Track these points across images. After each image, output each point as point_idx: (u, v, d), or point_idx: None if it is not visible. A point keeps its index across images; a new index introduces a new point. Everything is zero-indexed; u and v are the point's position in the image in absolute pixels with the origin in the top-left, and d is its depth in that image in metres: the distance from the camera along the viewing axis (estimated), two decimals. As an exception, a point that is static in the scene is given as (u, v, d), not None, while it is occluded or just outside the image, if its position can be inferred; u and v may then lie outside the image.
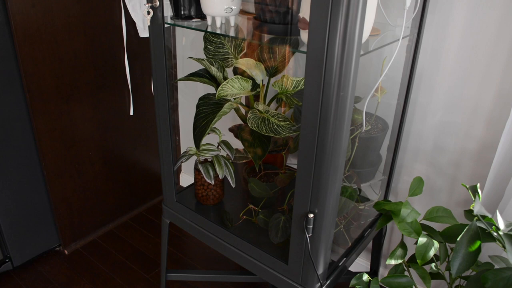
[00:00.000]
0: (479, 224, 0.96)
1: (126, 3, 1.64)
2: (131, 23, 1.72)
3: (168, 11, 1.14)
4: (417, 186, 1.15)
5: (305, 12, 0.86)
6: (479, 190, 1.05)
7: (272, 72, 1.23)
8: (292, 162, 1.41)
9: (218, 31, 1.07)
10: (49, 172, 1.67)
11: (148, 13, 1.07)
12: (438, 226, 1.24)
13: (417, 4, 1.17)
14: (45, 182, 1.69)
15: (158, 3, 1.05)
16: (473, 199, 1.02)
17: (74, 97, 1.65)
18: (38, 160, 1.64)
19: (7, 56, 1.43)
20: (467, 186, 1.10)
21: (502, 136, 1.14)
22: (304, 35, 0.88)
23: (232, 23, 1.09)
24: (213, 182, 1.28)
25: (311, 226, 0.97)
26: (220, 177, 1.27)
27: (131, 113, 1.87)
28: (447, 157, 1.36)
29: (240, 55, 1.25)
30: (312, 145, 0.88)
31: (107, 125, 1.81)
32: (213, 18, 1.08)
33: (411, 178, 1.47)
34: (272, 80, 1.20)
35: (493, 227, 0.97)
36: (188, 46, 1.90)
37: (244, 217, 1.31)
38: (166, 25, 1.08)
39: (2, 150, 1.52)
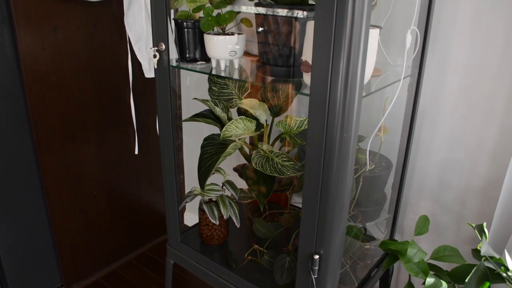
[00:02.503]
0: (487, 264, 0.95)
1: (133, 44, 1.68)
2: (137, 64, 1.76)
3: (173, 54, 1.17)
4: (423, 225, 1.15)
5: (307, 55, 0.88)
6: (485, 230, 1.04)
7: (276, 111, 1.25)
8: (296, 201, 1.40)
9: (223, 74, 1.09)
10: (53, 211, 1.67)
11: (155, 56, 1.09)
12: (445, 266, 1.22)
13: (417, 44, 1.19)
14: (49, 221, 1.68)
15: (164, 47, 1.08)
16: (480, 239, 1.01)
17: (80, 136, 1.66)
18: (43, 199, 1.64)
19: (16, 97, 1.46)
20: (473, 225, 1.09)
21: (507, 173, 1.14)
22: (307, 78, 0.90)
23: (236, 66, 1.12)
24: (217, 223, 1.28)
25: (317, 268, 0.96)
26: (225, 217, 1.26)
27: (136, 152, 1.89)
28: (452, 194, 1.36)
29: (244, 95, 1.27)
30: (317, 186, 0.88)
31: (112, 164, 1.82)
32: (218, 61, 1.10)
33: (417, 216, 1.46)
34: (276, 119, 1.22)
35: (502, 267, 0.95)
36: (193, 87, 1.94)
37: (249, 257, 1.29)
38: (171, 68, 1.10)
39: (8, 188, 1.53)
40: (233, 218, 1.28)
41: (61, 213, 1.69)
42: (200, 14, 1.15)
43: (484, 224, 1.06)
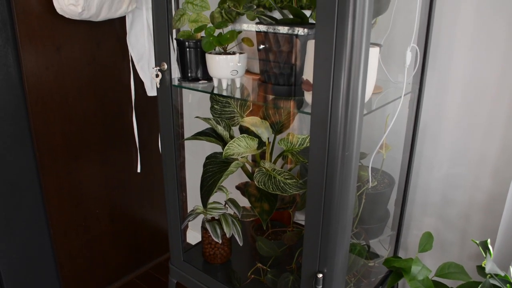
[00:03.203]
0: (492, 281, 0.94)
1: (135, 63, 1.70)
2: (139, 83, 1.77)
3: (175, 73, 1.18)
4: (427, 241, 1.14)
5: (308, 74, 0.89)
6: (490, 246, 1.03)
7: (277, 129, 1.25)
8: (299, 218, 1.40)
9: (224, 93, 1.10)
10: (55, 230, 1.66)
11: (157, 75, 1.10)
12: (450, 283, 1.21)
13: (417, 61, 1.20)
14: (51, 240, 1.68)
15: (166, 66, 1.09)
16: (484, 256, 1.00)
17: (83, 155, 1.67)
18: (45, 218, 1.64)
19: (19, 116, 1.47)
20: (478, 242, 1.08)
21: (510, 188, 1.14)
22: (308, 97, 0.90)
23: (238, 84, 1.13)
24: (220, 241, 1.27)
25: (321, 286, 0.95)
26: (228, 235, 1.26)
27: (139, 170, 1.89)
28: (456, 209, 1.35)
29: (246, 113, 1.27)
30: (319, 204, 0.88)
31: (114, 182, 1.83)
32: (219, 80, 1.11)
33: (420, 232, 1.45)
34: (278, 137, 1.22)
35: (508, 285, 0.95)
36: (195, 105, 1.95)
37: (252, 276, 1.29)
38: (173, 87, 1.11)
39: (10, 207, 1.52)
40: (236, 236, 1.27)
41: (63, 231, 1.69)
42: (202, 33, 1.16)
43: (488, 240, 1.06)
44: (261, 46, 1.01)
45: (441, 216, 1.39)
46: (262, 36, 1.00)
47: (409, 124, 1.29)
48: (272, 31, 0.97)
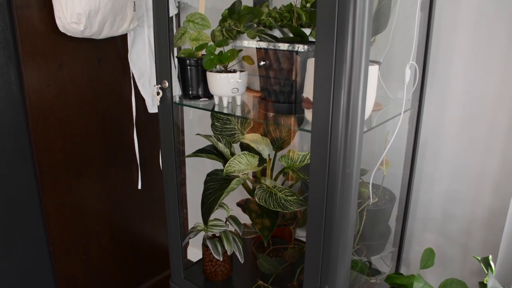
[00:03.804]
0: (495, 299, 0.94)
1: (136, 80, 1.71)
2: (140, 100, 1.78)
3: (176, 90, 1.19)
4: (428, 258, 1.14)
5: (308, 92, 0.89)
6: (491, 263, 1.03)
7: (278, 145, 1.26)
8: (300, 235, 1.39)
9: (225, 110, 1.11)
10: (55, 248, 1.66)
11: (158, 93, 1.11)
12: (453, 300, 1.20)
13: (416, 78, 1.21)
14: (51, 257, 1.67)
15: (167, 84, 1.10)
16: (486, 272, 1.00)
17: (84, 172, 1.67)
18: (45, 235, 1.63)
19: (20, 133, 1.47)
20: (479, 258, 1.08)
21: (510, 203, 1.14)
22: (308, 114, 0.91)
23: (239, 102, 1.13)
24: (221, 258, 1.27)
25: (322, 304, 0.94)
26: (229, 253, 1.26)
27: (139, 187, 1.89)
28: (457, 225, 1.35)
29: (247, 130, 1.28)
30: (320, 221, 0.88)
31: (115, 199, 1.82)
32: (220, 98, 1.12)
33: (422, 248, 1.44)
34: (279, 154, 1.23)
35: (510, 302, 0.94)
36: (196, 122, 1.96)
37: (253, 293, 1.28)
38: (174, 104, 1.12)
39: (9, 224, 1.52)
40: (237, 253, 1.27)
41: (63, 249, 1.68)
42: (203, 52, 1.17)
43: (490, 257, 1.05)
44: (262, 63, 1.02)
45: (442, 232, 1.39)
46: (262, 53, 1.01)
47: (409, 140, 1.30)
48: (273, 47, 0.98)
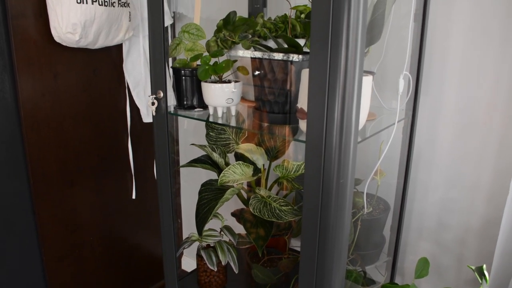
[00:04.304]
0: (489, 309, 0.94)
1: (131, 90, 1.71)
2: (135, 109, 1.78)
3: (171, 100, 1.19)
4: (423, 267, 1.14)
5: (303, 102, 0.90)
6: (485, 272, 1.03)
7: (273, 155, 1.26)
8: (294, 244, 1.39)
9: (220, 121, 1.11)
10: (48, 258, 1.64)
11: (153, 103, 1.11)
12: (448, 310, 1.20)
13: (410, 88, 1.22)
14: (44, 268, 1.66)
15: (162, 95, 1.10)
16: (480, 282, 1.00)
17: (78, 182, 1.66)
18: (38, 245, 1.62)
19: (14, 143, 1.47)
20: (473, 267, 1.08)
21: (504, 213, 1.14)
22: (302, 125, 0.91)
23: (233, 112, 1.14)
24: (215, 269, 1.26)
25: (317, 315, 0.94)
26: (223, 263, 1.25)
27: (134, 196, 1.88)
28: (452, 234, 1.35)
29: (241, 139, 1.28)
30: (315, 231, 0.88)
31: (109, 209, 1.81)
32: (215, 108, 1.12)
33: (417, 258, 1.44)
34: (273, 164, 1.23)
35: (505, 312, 0.94)
36: (191, 132, 1.96)
37: (248, 303, 1.27)
38: (169, 114, 1.12)
39: (2, 233, 1.50)
40: (232, 264, 1.26)
41: (56, 259, 1.67)
42: (198, 62, 1.18)
43: (484, 266, 1.05)
44: (256, 73, 1.03)
45: (437, 241, 1.39)
46: (257, 63, 1.02)
47: (403, 149, 1.30)
48: (267, 57, 0.99)
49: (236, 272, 1.27)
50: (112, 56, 1.68)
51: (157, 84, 1.11)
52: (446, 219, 1.35)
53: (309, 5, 1.04)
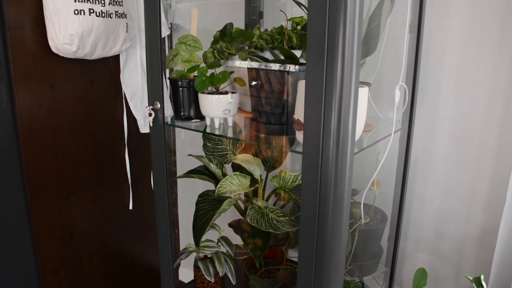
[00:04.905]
0: (487, 319, 0.94)
1: (128, 100, 1.71)
2: (132, 119, 1.78)
3: (168, 111, 1.20)
4: (421, 277, 1.14)
5: (299, 113, 0.90)
6: (483, 283, 1.03)
7: (270, 165, 1.26)
8: (292, 255, 1.39)
9: (217, 132, 1.11)
10: (44, 269, 1.63)
11: (150, 114, 1.12)
12: (446, 320, 1.20)
13: (406, 99, 1.23)
14: (39, 279, 1.64)
15: (159, 106, 1.10)
16: (479, 292, 1.00)
17: (74, 192, 1.66)
18: (34, 256, 1.61)
19: (11, 153, 1.46)
20: (471, 278, 1.08)
21: (501, 223, 1.14)
22: (299, 136, 0.92)
23: (230, 123, 1.14)
24: (213, 280, 1.25)
25: (315, 326, 0.94)
26: (220, 274, 1.24)
27: (131, 207, 1.88)
28: (449, 244, 1.35)
29: (238, 150, 1.28)
30: (312, 242, 0.88)
31: (106, 219, 1.81)
32: (212, 119, 1.12)
33: (414, 268, 1.44)
34: (270, 174, 1.23)
35: (502, 322, 0.94)
36: (188, 142, 1.96)
37: (246, 315, 1.27)
38: (166, 125, 1.12)
39: (-3, 246, 1.50)
40: (229, 275, 1.26)
41: (52, 270, 1.66)
42: (195, 73, 1.18)
43: (482, 277, 1.05)
44: (253, 83, 1.03)
45: (434, 251, 1.39)
46: (254, 74, 1.02)
47: (400, 160, 1.30)
48: (264, 68, 0.99)
49: (234, 283, 1.26)
50: (109, 67, 1.68)
51: (154, 95, 1.11)
52: (443, 229, 1.35)
53: (306, 16, 1.05)
